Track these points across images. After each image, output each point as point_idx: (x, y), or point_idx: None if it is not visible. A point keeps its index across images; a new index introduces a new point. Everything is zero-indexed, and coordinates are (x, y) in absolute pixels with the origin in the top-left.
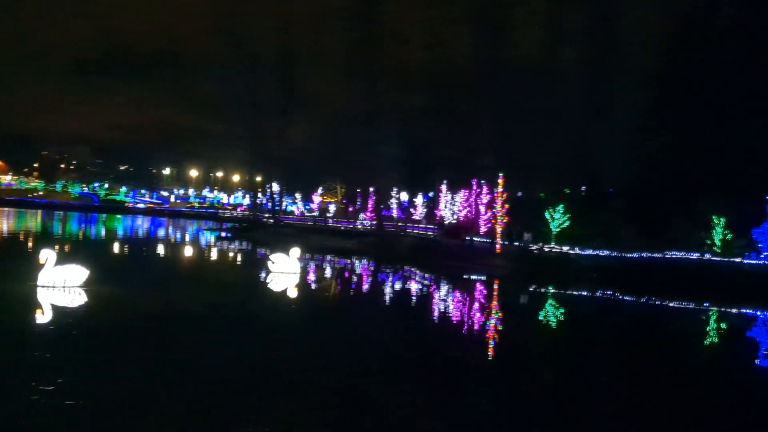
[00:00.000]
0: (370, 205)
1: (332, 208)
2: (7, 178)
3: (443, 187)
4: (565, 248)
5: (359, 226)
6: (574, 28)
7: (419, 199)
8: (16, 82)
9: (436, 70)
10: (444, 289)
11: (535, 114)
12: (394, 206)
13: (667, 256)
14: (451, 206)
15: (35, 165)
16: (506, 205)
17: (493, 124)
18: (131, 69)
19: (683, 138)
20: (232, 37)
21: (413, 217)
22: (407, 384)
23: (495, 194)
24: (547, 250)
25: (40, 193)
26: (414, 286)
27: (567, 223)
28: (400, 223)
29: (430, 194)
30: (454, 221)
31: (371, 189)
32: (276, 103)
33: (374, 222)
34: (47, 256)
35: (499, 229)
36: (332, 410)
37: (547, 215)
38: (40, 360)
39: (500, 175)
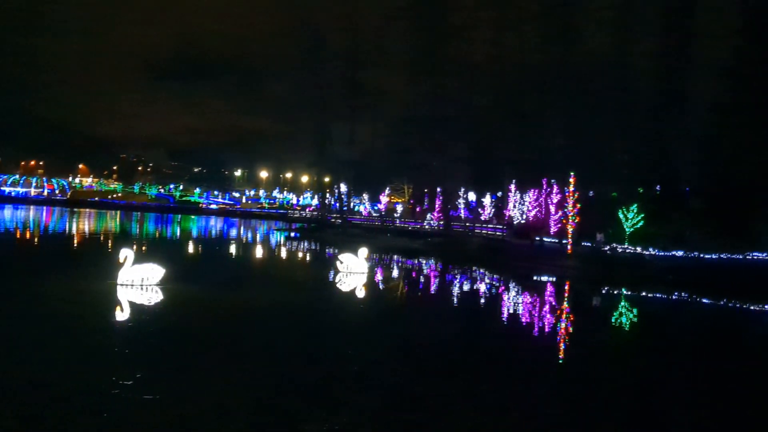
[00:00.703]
0: (437, 206)
1: (399, 208)
2: (89, 181)
3: (512, 187)
4: (639, 249)
5: (427, 227)
6: (646, 20)
7: (487, 199)
8: (97, 91)
9: (504, 68)
10: (513, 290)
11: (608, 111)
12: (462, 206)
13: (748, 257)
14: (521, 206)
15: (114, 168)
16: (577, 205)
17: (564, 121)
18: (205, 74)
19: (765, 133)
20: (301, 40)
21: (481, 217)
22: (475, 384)
23: (566, 194)
24: (620, 250)
25: (119, 194)
26: (482, 287)
27: (641, 223)
28: (467, 224)
29: (499, 194)
30: (523, 221)
31: (439, 189)
32: (344, 103)
33: (442, 222)
34: (126, 255)
35: (570, 230)
36: (399, 407)
37: (620, 215)
38: (120, 355)
39: (571, 174)
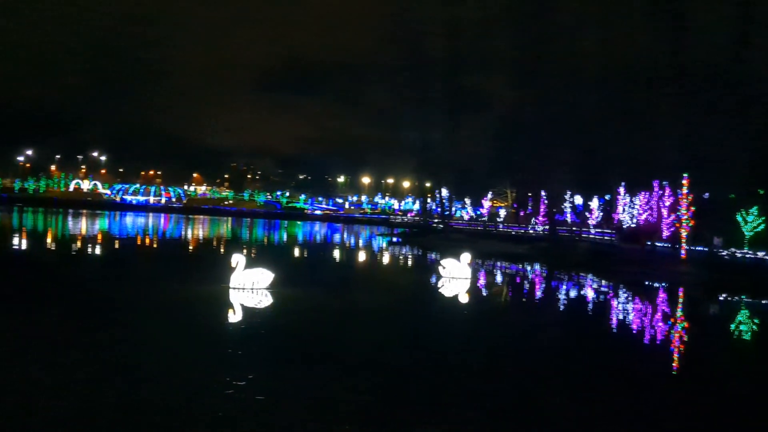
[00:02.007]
0: (541, 210)
1: (502, 212)
2: (202, 189)
3: (621, 190)
4: (761, 254)
5: (531, 231)
6: (763, 13)
7: (594, 203)
8: (210, 102)
9: (611, 67)
10: (623, 296)
11: (723, 109)
12: (568, 210)
13: None
14: (630, 209)
15: (226, 176)
16: (692, 208)
17: (676, 121)
18: (310, 84)
19: None
20: (403, 46)
21: (588, 221)
22: (582, 393)
23: (679, 196)
24: (739, 255)
25: (230, 201)
26: (590, 293)
27: (762, 227)
28: (574, 228)
29: (607, 197)
30: (633, 225)
31: (543, 193)
32: (445, 108)
33: (546, 226)
34: (238, 260)
35: (683, 234)
36: (504, 416)
37: (738, 218)
38: (233, 357)
39: (684, 175)
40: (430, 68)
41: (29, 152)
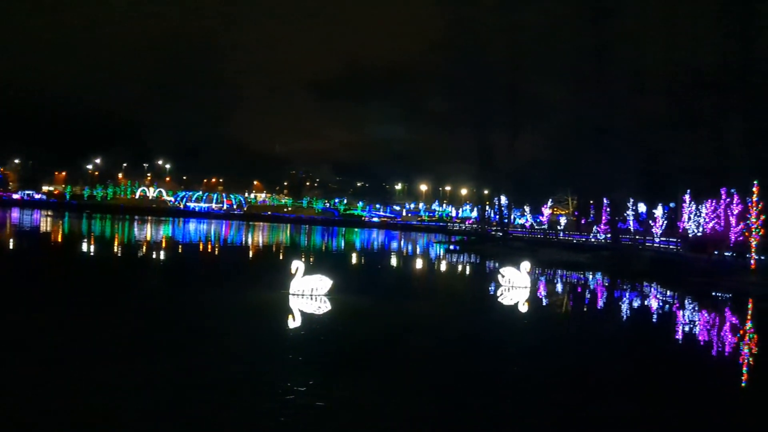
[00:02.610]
0: (604, 218)
1: (563, 220)
2: (262, 196)
3: (686, 197)
4: None
5: (592, 240)
6: None
7: (659, 211)
8: (270, 110)
9: (676, 72)
10: (689, 307)
11: None
12: (631, 218)
13: None
14: (696, 218)
15: (285, 183)
16: (762, 216)
17: (744, 127)
18: (368, 91)
19: None
20: (461, 52)
21: (652, 230)
22: (650, 408)
23: (748, 204)
24: None
25: (289, 208)
26: (654, 303)
27: None
28: (637, 236)
29: (671, 205)
30: (699, 234)
31: (605, 200)
32: (504, 114)
33: (609, 235)
34: (297, 266)
35: (753, 243)
36: (565, 428)
37: None
38: (293, 362)
39: (754, 182)
40: (490, 74)
41: (97, 160)
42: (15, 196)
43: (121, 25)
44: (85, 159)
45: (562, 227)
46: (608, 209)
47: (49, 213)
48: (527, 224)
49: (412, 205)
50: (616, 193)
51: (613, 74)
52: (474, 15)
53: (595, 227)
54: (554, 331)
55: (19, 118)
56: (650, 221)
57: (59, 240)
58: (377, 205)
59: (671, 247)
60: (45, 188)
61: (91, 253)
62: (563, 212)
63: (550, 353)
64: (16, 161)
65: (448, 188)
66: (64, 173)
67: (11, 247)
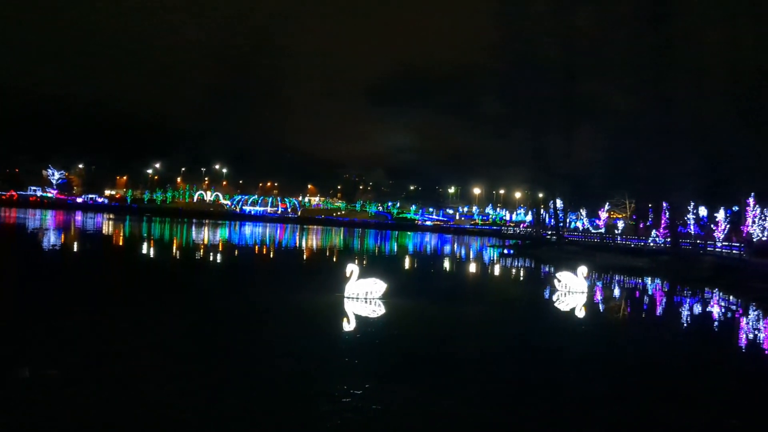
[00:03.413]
0: (663, 222)
1: (620, 224)
2: (316, 199)
3: (750, 200)
4: None
5: (651, 244)
6: None
7: (721, 214)
8: (323, 114)
9: (740, 71)
10: (753, 314)
11: None
12: (691, 222)
13: None
14: (761, 221)
15: (339, 187)
16: None
17: None
18: (420, 95)
19: None
20: (516, 54)
21: (714, 234)
22: (705, 416)
23: None
24: None
25: (343, 212)
26: (716, 310)
27: None
28: (698, 241)
29: (734, 208)
30: (764, 238)
31: (665, 204)
32: (560, 116)
33: (668, 239)
34: (352, 269)
35: None
36: None
37: None
38: (349, 365)
39: None
40: (545, 75)
41: (157, 165)
42: (79, 200)
43: (178, 34)
44: (145, 164)
45: (619, 231)
46: (668, 213)
47: (111, 216)
48: (583, 228)
49: (465, 209)
50: (675, 196)
51: (673, 74)
52: (529, 16)
53: (653, 231)
54: (615, 338)
55: (83, 125)
56: (712, 225)
57: (121, 243)
58: (430, 209)
59: (734, 252)
60: (107, 192)
61: (151, 256)
62: (621, 216)
63: (613, 360)
64: (80, 166)
65: (501, 191)
66: (125, 178)
67: (77, 249)
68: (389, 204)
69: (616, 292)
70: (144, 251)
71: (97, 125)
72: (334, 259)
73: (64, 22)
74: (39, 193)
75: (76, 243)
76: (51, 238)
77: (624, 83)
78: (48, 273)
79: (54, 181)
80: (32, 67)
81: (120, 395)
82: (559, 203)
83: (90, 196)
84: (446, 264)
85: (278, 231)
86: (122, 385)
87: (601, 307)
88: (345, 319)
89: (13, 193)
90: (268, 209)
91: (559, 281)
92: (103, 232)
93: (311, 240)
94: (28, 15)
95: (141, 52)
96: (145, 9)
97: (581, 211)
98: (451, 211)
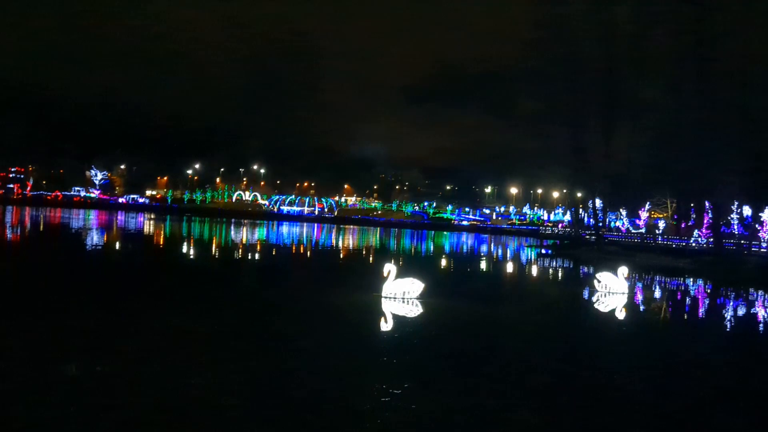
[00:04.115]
0: (705, 221)
1: (661, 224)
2: (352, 199)
3: None
4: None
5: (693, 244)
6: None
7: (766, 214)
8: (360, 114)
9: None
10: None
11: None
12: (735, 222)
13: None
14: None
15: (375, 187)
16: None
17: None
18: (457, 94)
19: None
20: (554, 52)
21: (759, 234)
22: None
23: None
24: None
25: (379, 212)
26: (762, 312)
27: None
28: (742, 241)
29: None
30: None
31: (707, 203)
32: (598, 115)
33: (711, 239)
34: (390, 269)
35: None
36: None
37: None
38: (388, 365)
39: None
40: (583, 73)
41: (197, 166)
42: (121, 200)
43: (218, 40)
44: (185, 164)
45: (660, 231)
46: (710, 212)
47: (152, 216)
48: (623, 228)
49: (503, 209)
50: (719, 194)
51: (716, 71)
52: (568, 13)
53: (696, 231)
54: (661, 340)
55: (125, 127)
56: (756, 225)
57: (161, 242)
58: (467, 209)
59: None
60: (148, 192)
61: (191, 255)
62: (662, 216)
63: (650, 362)
64: (122, 167)
65: (539, 191)
66: (165, 178)
67: (120, 248)
68: (425, 204)
69: (658, 293)
70: (185, 250)
71: (139, 127)
72: (371, 259)
73: (110, 28)
74: (83, 194)
75: (118, 242)
76: (103, 238)
77: (665, 79)
78: (103, 271)
79: (97, 182)
80: (78, 74)
81: (171, 381)
82: (598, 203)
83: (131, 196)
84: (483, 264)
85: (315, 231)
86: (178, 373)
87: (643, 308)
88: (383, 319)
89: (59, 193)
90: (305, 209)
91: (599, 282)
92: (146, 231)
93: (348, 240)
94: (74, 21)
95: (181, 57)
96: (188, 18)
97: (621, 210)
98: (487, 211)
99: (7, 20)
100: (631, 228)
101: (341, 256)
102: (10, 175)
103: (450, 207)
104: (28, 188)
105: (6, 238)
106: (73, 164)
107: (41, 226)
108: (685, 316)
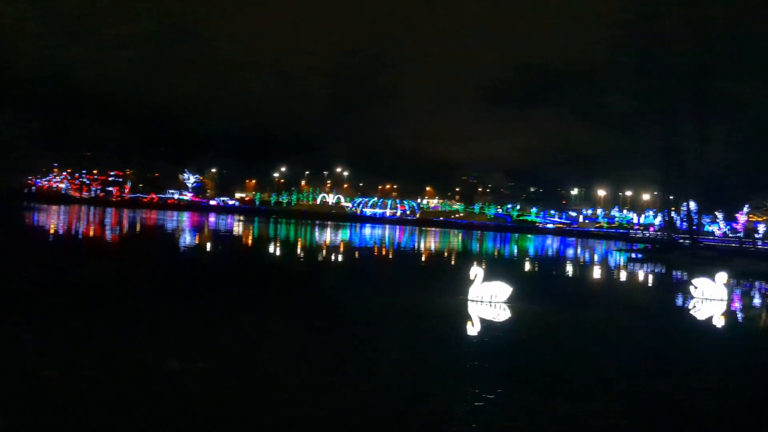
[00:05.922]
0: None
1: (761, 228)
2: (434, 202)
3: None
4: None
5: None
6: None
7: None
8: (441, 118)
9: None
10: None
11: None
12: None
13: None
14: None
15: (457, 189)
16: None
17: None
18: (540, 94)
19: None
20: (643, 49)
21: None
22: None
23: None
24: None
25: (461, 214)
26: None
27: None
28: None
29: None
30: None
31: None
32: (692, 113)
33: None
34: (476, 272)
35: None
36: None
37: None
38: (479, 369)
39: None
40: (674, 71)
41: (283, 169)
42: (212, 203)
43: (303, 48)
44: (272, 168)
45: (760, 235)
46: None
47: (241, 218)
48: (720, 232)
49: (589, 211)
50: None
51: None
52: (655, 9)
53: None
54: (752, 348)
55: (215, 131)
56: None
57: (249, 243)
58: (552, 211)
59: None
60: (237, 195)
61: (278, 255)
62: (761, 219)
63: (748, 374)
64: (213, 170)
65: (628, 193)
66: (253, 181)
67: (216, 248)
68: (508, 206)
69: (758, 300)
70: (272, 251)
71: (229, 133)
72: (453, 262)
73: (200, 38)
74: (176, 196)
75: (210, 242)
76: (195, 239)
77: (762, 75)
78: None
79: (189, 185)
80: (173, 82)
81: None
82: (692, 205)
83: (222, 198)
84: (570, 268)
85: (397, 233)
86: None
87: (743, 316)
88: (470, 323)
89: (154, 196)
90: (387, 211)
91: (696, 288)
92: (234, 232)
93: (430, 242)
94: (168, 32)
95: (269, 66)
96: (276, 29)
97: (717, 213)
98: (573, 214)
99: (108, 31)
100: (728, 231)
101: (424, 258)
102: (110, 179)
103: (534, 209)
104: (126, 191)
105: (108, 239)
106: (168, 168)
107: (138, 227)
108: None
